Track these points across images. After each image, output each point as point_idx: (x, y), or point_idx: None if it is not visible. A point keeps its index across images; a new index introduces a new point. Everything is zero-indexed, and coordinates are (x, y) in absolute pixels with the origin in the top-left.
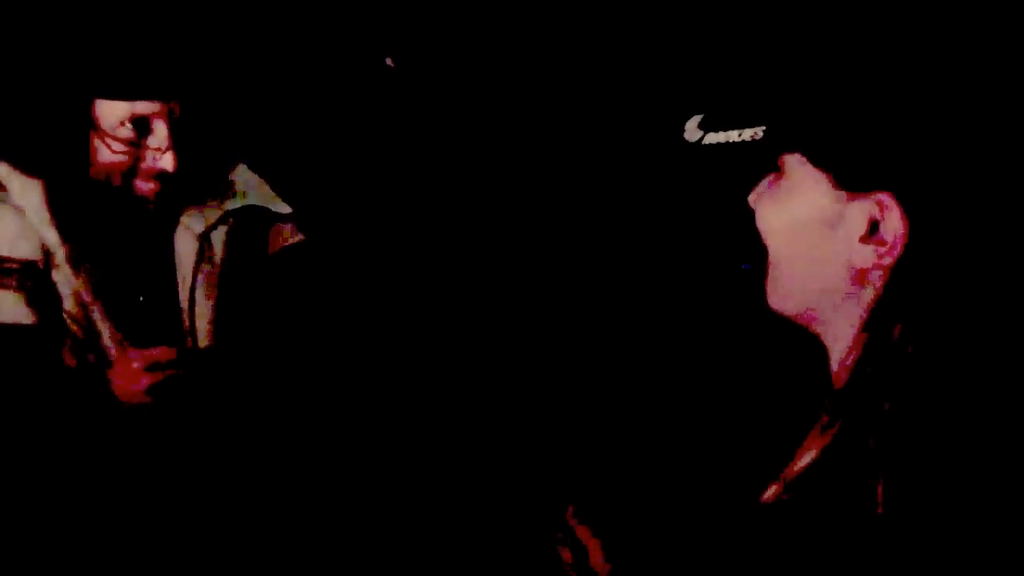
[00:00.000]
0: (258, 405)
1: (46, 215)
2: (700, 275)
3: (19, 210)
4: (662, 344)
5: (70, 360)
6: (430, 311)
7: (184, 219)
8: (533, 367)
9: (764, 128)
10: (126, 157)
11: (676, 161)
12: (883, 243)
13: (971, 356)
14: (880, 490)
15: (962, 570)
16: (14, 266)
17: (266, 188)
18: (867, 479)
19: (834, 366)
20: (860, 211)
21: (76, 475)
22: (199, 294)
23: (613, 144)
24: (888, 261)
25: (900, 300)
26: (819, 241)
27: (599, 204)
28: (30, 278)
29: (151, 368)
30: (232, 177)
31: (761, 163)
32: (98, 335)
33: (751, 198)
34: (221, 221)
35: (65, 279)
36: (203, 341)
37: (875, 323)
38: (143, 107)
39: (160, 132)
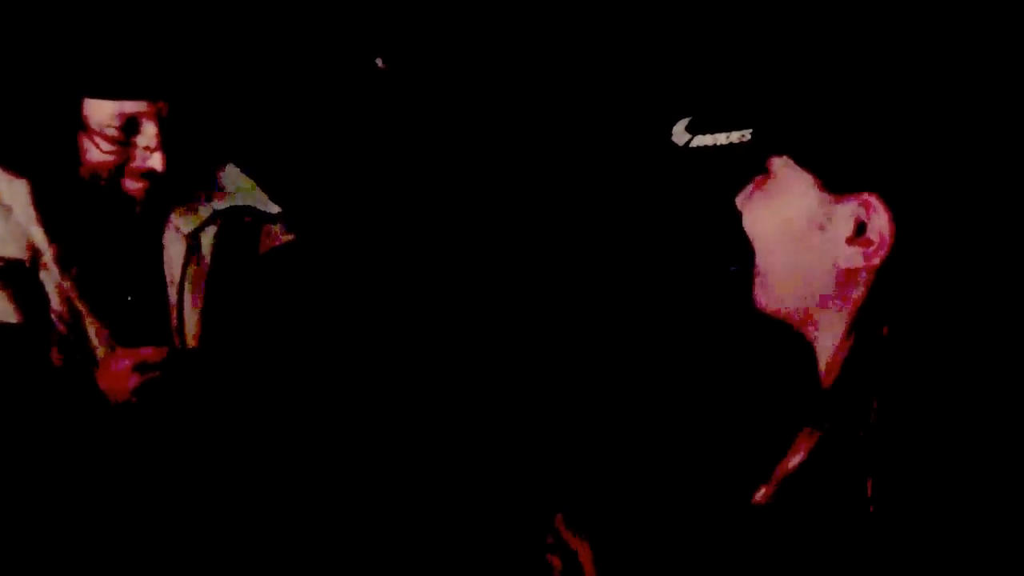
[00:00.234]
0: (246, 405)
1: (33, 214)
2: (689, 277)
3: (6, 209)
4: (652, 346)
5: (57, 360)
6: (420, 312)
7: (173, 219)
8: (523, 370)
9: (751, 131)
10: (115, 157)
11: (664, 164)
12: (870, 244)
13: (958, 355)
14: (869, 489)
15: (952, 568)
16: (0, 265)
17: (255, 188)
18: (856, 478)
19: (822, 366)
20: (847, 212)
21: (62, 475)
22: (187, 294)
23: (603, 148)
24: (875, 261)
25: (887, 300)
26: (807, 242)
27: (589, 207)
28: (17, 277)
29: (139, 368)
30: (221, 177)
31: (749, 166)
32: (85, 335)
33: (739, 200)
34: (210, 221)
35: (52, 279)
36: (191, 341)
37: (862, 323)
38: (132, 107)
39: (149, 132)
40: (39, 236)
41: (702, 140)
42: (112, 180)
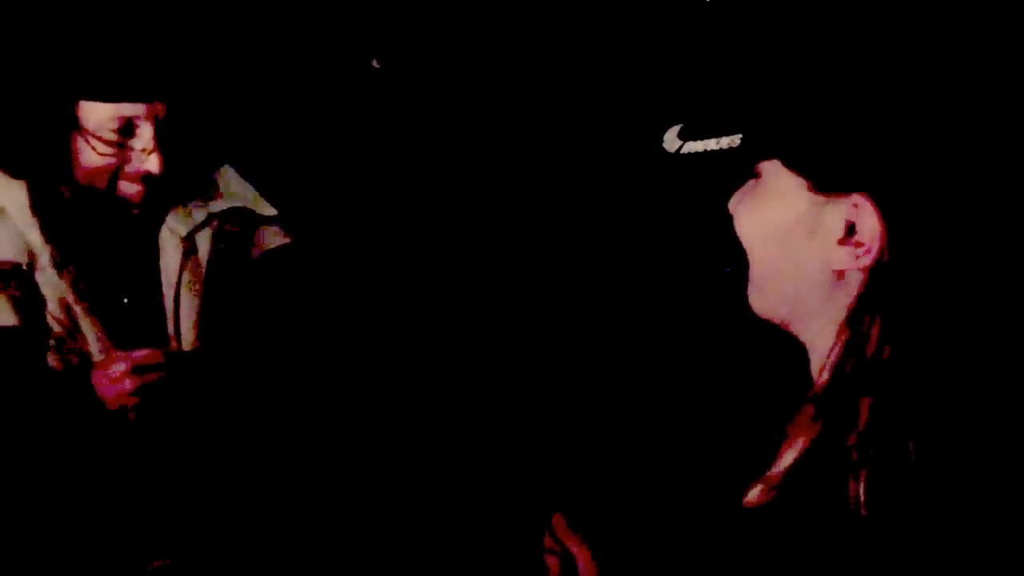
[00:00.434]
0: (242, 407)
1: (30, 217)
2: (683, 281)
3: (2, 212)
4: (646, 351)
5: (54, 362)
6: (415, 314)
7: (168, 221)
8: (517, 373)
9: (740, 136)
10: (111, 159)
11: (657, 171)
12: (860, 244)
13: (950, 354)
14: (863, 489)
15: (943, 567)
16: None
17: (251, 190)
18: (848, 480)
19: (815, 367)
20: (836, 213)
21: (59, 477)
22: (184, 296)
23: (597, 156)
24: (866, 262)
25: (879, 299)
26: (798, 244)
27: (584, 213)
28: (14, 280)
29: (136, 371)
30: (217, 179)
31: (739, 170)
32: (82, 337)
33: (731, 205)
34: (206, 223)
35: (49, 281)
36: (188, 343)
37: (854, 323)
38: (129, 109)
39: (145, 134)
40: (35, 238)
41: (693, 146)
42: (109, 182)
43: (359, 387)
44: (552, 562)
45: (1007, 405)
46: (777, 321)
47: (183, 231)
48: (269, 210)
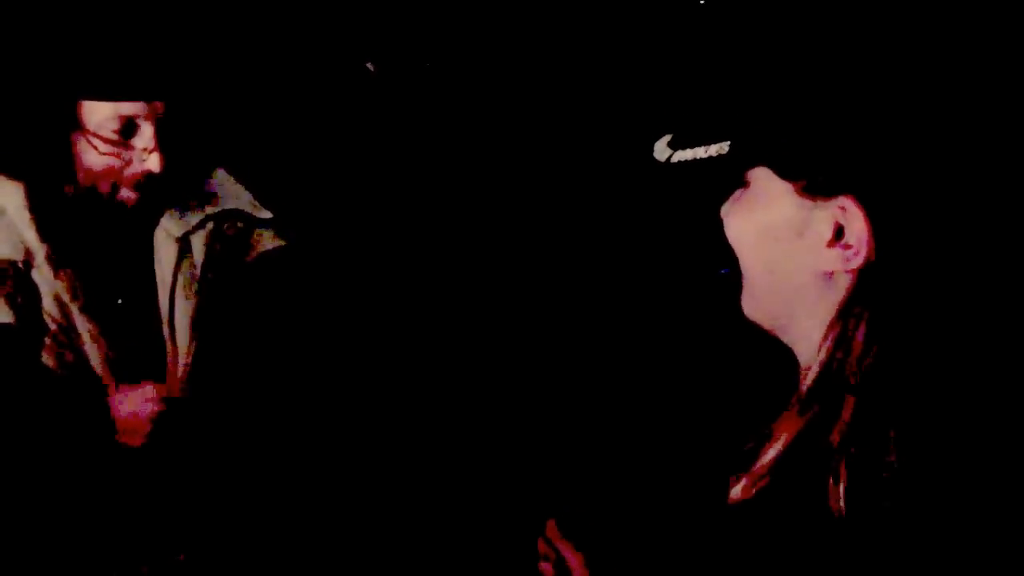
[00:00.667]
0: (237, 408)
1: (27, 216)
2: (674, 286)
3: (0, 211)
4: (637, 356)
5: (49, 360)
6: (409, 317)
7: (164, 221)
8: (510, 378)
9: (728, 143)
10: (112, 158)
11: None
12: (849, 246)
13: (936, 354)
14: (843, 488)
15: (922, 565)
16: None
17: (246, 192)
18: (832, 477)
19: (802, 366)
20: (825, 217)
21: (55, 475)
22: (179, 297)
23: (588, 166)
24: (855, 263)
25: (866, 300)
26: (788, 248)
27: (577, 222)
28: (10, 278)
29: (143, 408)
30: (212, 181)
31: (729, 177)
32: (77, 335)
33: (721, 211)
34: (201, 225)
35: (45, 280)
36: (183, 343)
37: (842, 323)
38: (129, 108)
39: (146, 133)
40: (32, 237)
41: (682, 155)
42: (108, 182)
43: (355, 390)
44: (546, 568)
45: (993, 406)
46: (767, 326)
47: (178, 232)
48: (263, 213)
